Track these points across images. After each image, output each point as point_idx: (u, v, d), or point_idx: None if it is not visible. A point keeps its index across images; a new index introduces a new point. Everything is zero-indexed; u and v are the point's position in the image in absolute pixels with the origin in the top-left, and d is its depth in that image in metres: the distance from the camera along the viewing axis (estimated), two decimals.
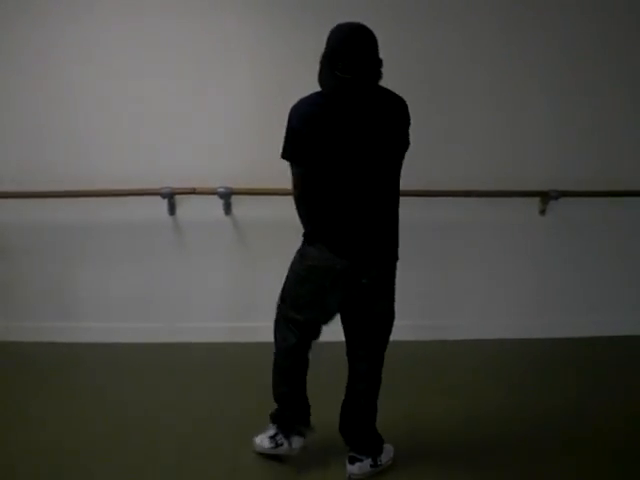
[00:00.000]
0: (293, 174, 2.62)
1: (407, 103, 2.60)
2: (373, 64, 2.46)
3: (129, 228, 4.03)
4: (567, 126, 4.09)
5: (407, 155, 3.79)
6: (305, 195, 2.64)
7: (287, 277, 2.80)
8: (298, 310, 2.77)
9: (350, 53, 2.40)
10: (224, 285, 4.12)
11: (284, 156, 2.59)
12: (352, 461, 2.84)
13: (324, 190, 2.59)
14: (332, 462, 2.90)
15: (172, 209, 3.98)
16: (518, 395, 3.52)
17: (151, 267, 4.11)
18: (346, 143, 2.51)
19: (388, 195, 2.66)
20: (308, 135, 2.51)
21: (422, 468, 2.86)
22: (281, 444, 2.93)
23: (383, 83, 2.53)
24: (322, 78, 2.51)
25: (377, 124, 2.53)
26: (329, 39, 2.48)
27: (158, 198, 3.89)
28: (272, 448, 2.92)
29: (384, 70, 2.49)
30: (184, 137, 3.91)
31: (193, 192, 3.84)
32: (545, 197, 4.09)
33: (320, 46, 2.48)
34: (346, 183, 2.56)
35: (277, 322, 2.88)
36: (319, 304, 2.72)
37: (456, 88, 3.98)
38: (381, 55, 2.48)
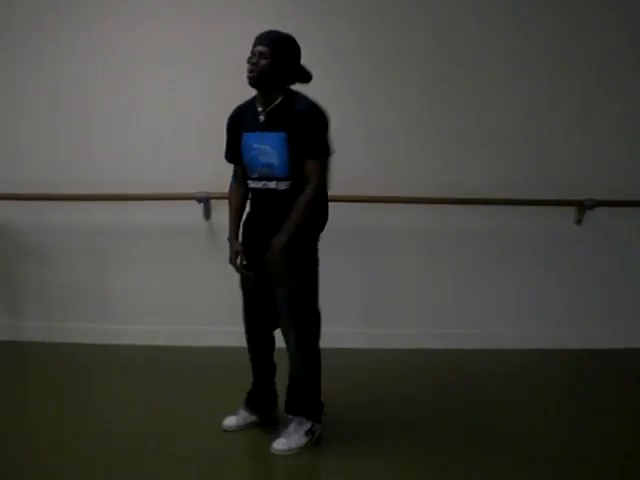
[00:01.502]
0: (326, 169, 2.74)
1: None
2: None
3: (165, 232, 4.11)
4: (604, 134, 4.07)
5: (440, 163, 3.88)
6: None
7: (310, 284, 2.85)
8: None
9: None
10: None
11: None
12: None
13: None
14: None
15: (207, 214, 4.03)
16: (542, 407, 3.47)
17: (186, 271, 4.17)
18: None
19: None
20: None
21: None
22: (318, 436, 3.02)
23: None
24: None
25: None
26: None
27: (194, 202, 3.95)
28: (309, 441, 2.98)
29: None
30: (220, 142, 3.94)
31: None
32: (581, 206, 4.05)
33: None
34: None
35: (316, 338, 2.94)
36: None
37: (493, 97, 4.00)
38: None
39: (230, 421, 3.10)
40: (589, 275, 4.21)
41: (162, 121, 4.00)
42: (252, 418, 3.12)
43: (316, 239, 2.85)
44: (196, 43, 3.95)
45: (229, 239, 2.95)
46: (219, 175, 3.86)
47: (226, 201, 3.87)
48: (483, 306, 4.25)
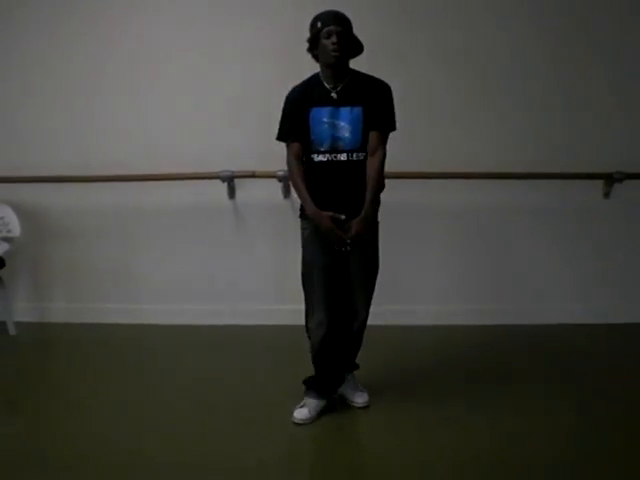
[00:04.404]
0: None
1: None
2: None
3: (189, 211, 4.12)
4: (631, 107, 4.00)
5: (469, 138, 3.91)
6: None
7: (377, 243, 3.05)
8: None
9: None
10: (284, 268, 4.15)
11: None
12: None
13: None
14: None
15: (232, 192, 4.03)
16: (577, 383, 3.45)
17: (211, 250, 4.17)
18: None
19: None
20: None
21: None
22: None
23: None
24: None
25: None
26: None
27: (218, 182, 3.96)
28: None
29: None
30: (243, 120, 3.94)
31: (252, 175, 3.88)
32: (609, 179, 3.98)
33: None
34: None
35: None
36: None
37: (518, 70, 3.94)
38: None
39: (301, 414, 3.01)
40: (618, 249, 4.15)
41: (185, 101, 3.99)
42: (322, 404, 3.07)
43: (380, 201, 3.00)
44: (221, 21, 3.93)
45: (314, 213, 2.83)
46: (243, 153, 3.90)
47: (249, 180, 3.92)
48: (509, 281, 4.21)
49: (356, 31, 2.79)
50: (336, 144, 2.80)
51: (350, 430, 3.02)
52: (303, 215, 2.95)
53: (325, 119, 2.79)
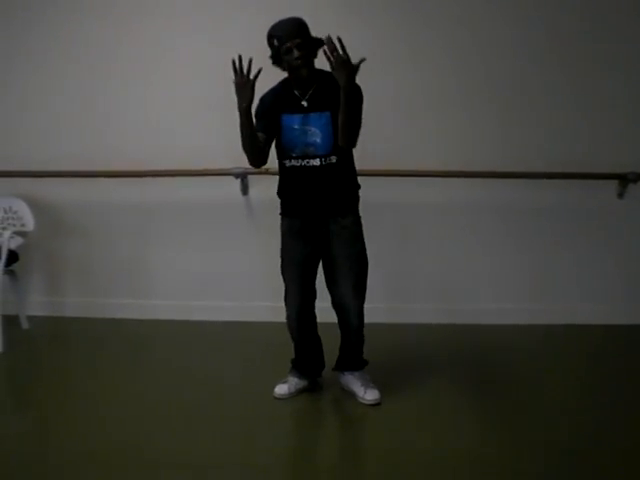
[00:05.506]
0: None
1: None
2: None
3: (202, 208, 4.13)
4: None
5: (480, 137, 3.86)
6: None
7: (362, 235, 3.03)
8: None
9: None
10: None
11: None
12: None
13: None
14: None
15: (245, 189, 4.04)
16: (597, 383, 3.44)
17: (224, 247, 4.18)
18: None
19: None
20: None
21: None
22: None
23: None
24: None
25: None
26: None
27: (231, 178, 3.96)
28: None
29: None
30: None
31: (266, 172, 3.87)
32: (623, 180, 3.97)
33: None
34: None
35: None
36: None
37: (531, 69, 3.93)
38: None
39: (281, 389, 3.18)
40: (632, 249, 4.12)
41: (199, 98, 3.99)
42: (302, 383, 3.21)
43: (358, 197, 3.04)
44: (229, 17, 3.96)
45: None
46: None
47: (262, 176, 3.90)
48: (517, 280, 4.19)
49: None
50: (307, 150, 2.87)
51: (356, 427, 3.06)
52: (281, 212, 3.07)
53: (296, 126, 2.86)
